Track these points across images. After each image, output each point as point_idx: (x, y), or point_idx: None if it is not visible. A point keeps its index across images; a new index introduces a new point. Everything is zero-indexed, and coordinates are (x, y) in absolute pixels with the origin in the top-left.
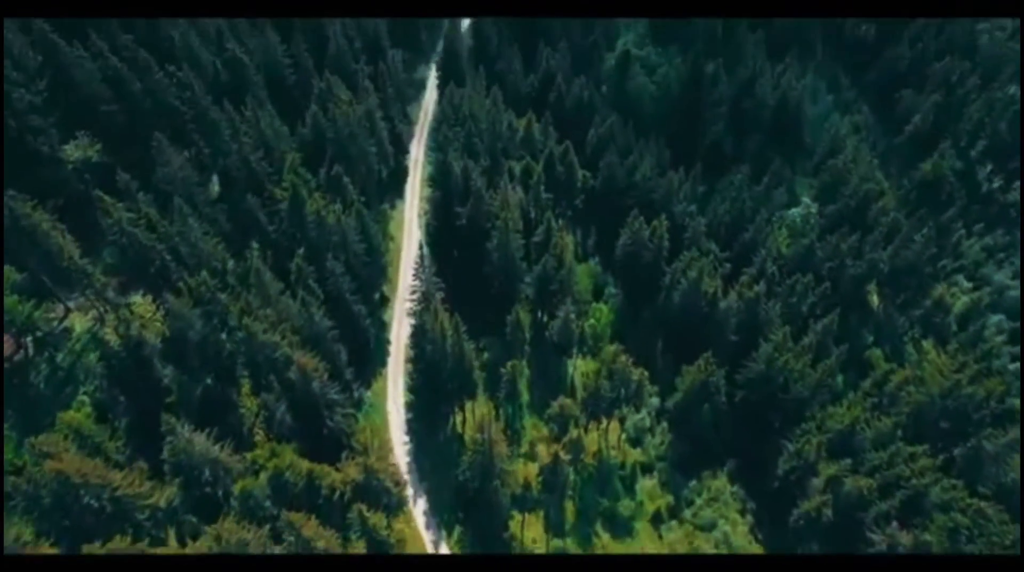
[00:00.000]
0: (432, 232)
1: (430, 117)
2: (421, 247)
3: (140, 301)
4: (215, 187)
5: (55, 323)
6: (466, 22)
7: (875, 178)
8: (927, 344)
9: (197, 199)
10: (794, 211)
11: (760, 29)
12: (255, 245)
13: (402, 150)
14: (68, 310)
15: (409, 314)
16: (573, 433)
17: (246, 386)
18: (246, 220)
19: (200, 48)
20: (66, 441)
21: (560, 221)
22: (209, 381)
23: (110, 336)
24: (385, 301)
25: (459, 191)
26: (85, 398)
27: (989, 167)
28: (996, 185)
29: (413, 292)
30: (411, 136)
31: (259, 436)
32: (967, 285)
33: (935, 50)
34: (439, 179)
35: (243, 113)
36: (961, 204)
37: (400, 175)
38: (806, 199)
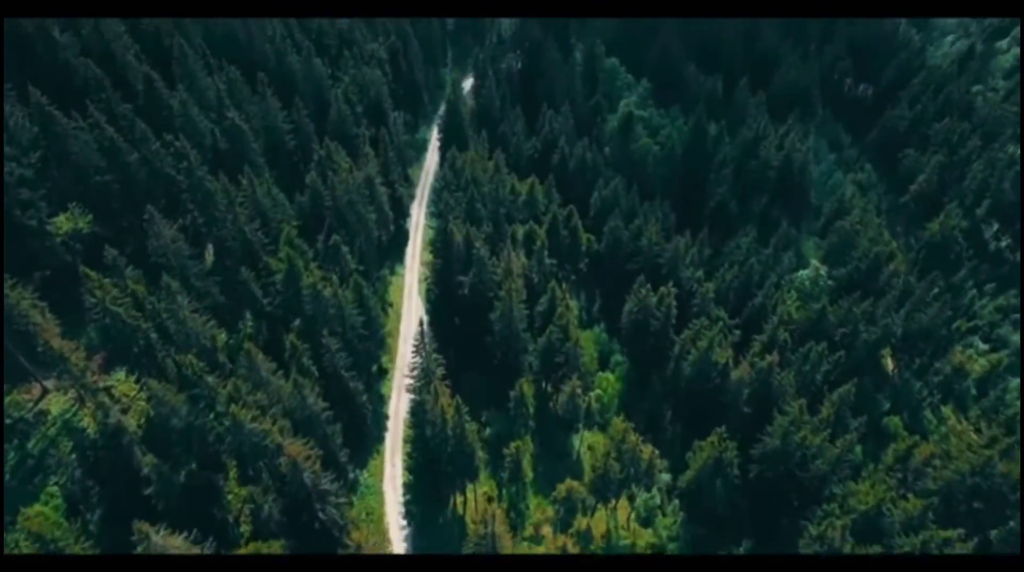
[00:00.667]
0: (433, 300)
1: (431, 178)
2: (421, 323)
3: (123, 380)
4: (210, 257)
5: (30, 405)
6: (468, 83)
7: (883, 239)
8: (947, 410)
9: (189, 272)
10: (803, 274)
11: (760, 90)
12: (249, 317)
13: (403, 214)
14: (45, 391)
15: (409, 390)
16: (581, 521)
17: (232, 475)
18: (240, 292)
19: (199, 116)
20: (27, 543)
21: (564, 285)
22: (192, 469)
23: (87, 422)
24: (384, 372)
25: (461, 259)
26: (55, 489)
27: (995, 226)
28: (1004, 244)
29: (413, 368)
30: (412, 198)
31: (245, 530)
32: (983, 347)
33: (934, 111)
34: (440, 247)
35: (240, 182)
36: (971, 265)
37: (401, 239)
38: (815, 261)
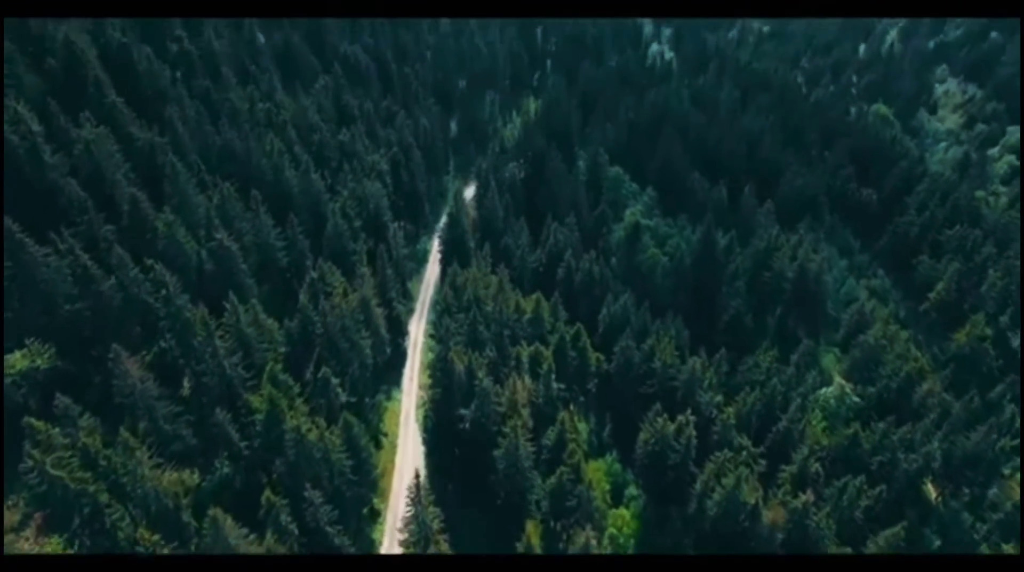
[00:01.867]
0: (431, 429)
1: (432, 290)
2: (417, 476)
3: (58, 550)
4: (185, 391)
5: None
6: (470, 191)
7: (911, 355)
8: (1010, 549)
9: (158, 413)
10: (827, 391)
11: (767, 198)
12: (224, 461)
13: (400, 332)
14: None
15: (402, 545)
16: None
17: None
18: (215, 434)
19: (186, 237)
20: None
21: (572, 407)
22: None
23: None
24: (375, 515)
25: (462, 390)
26: None
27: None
28: None
29: (407, 523)
30: (411, 313)
31: None
32: None
33: (942, 217)
34: (440, 376)
35: (224, 309)
36: (1009, 379)
37: (398, 359)
38: (839, 379)
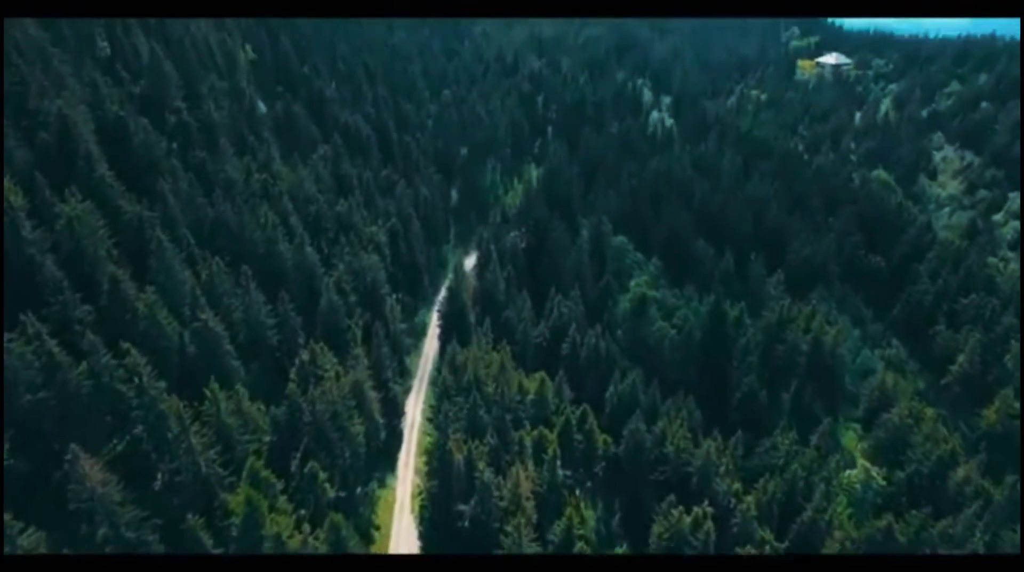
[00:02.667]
0: (427, 523)
1: (430, 365)
2: None
3: None
4: (158, 485)
5: None
6: (470, 261)
7: (941, 435)
8: None
9: (119, 520)
10: (851, 474)
11: (775, 266)
12: None
13: (396, 413)
14: None
15: None
16: None
17: None
18: (186, 541)
19: (167, 318)
20: None
21: (579, 492)
22: None
23: None
24: None
25: (461, 484)
26: None
27: None
28: None
29: None
30: (408, 392)
31: None
32: None
33: (956, 285)
34: (438, 468)
35: (205, 397)
36: None
37: (393, 442)
38: (863, 461)
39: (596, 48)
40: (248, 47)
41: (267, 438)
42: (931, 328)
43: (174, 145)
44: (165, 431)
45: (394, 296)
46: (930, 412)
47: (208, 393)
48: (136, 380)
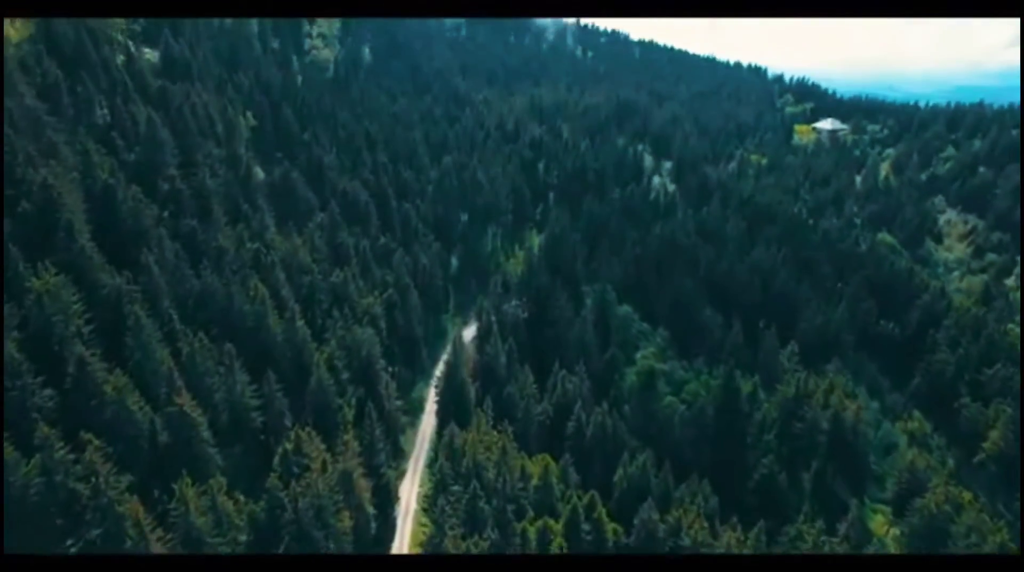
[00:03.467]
0: None
1: (427, 445)
2: None
3: None
4: None
5: None
6: (470, 332)
7: (985, 524)
8: None
9: None
10: None
11: (787, 335)
12: None
13: (389, 500)
14: None
15: None
16: None
17: None
18: None
19: (138, 403)
20: None
21: None
22: None
23: None
24: None
25: None
26: None
27: None
28: None
29: None
30: (403, 475)
31: None
32: None
33: (977, 354)
34: None
35: (174, 493)
36: None
37: (386, 533)
38: (895, 549)
39: (596, 115)
40: (249, 114)
41: (243, 537)
42: (955, 400)
43: (165, 213)
44: (123, 536)
45: (390, 370)
46: (968, 496)
47: (177, 491)
48: (93, 479)
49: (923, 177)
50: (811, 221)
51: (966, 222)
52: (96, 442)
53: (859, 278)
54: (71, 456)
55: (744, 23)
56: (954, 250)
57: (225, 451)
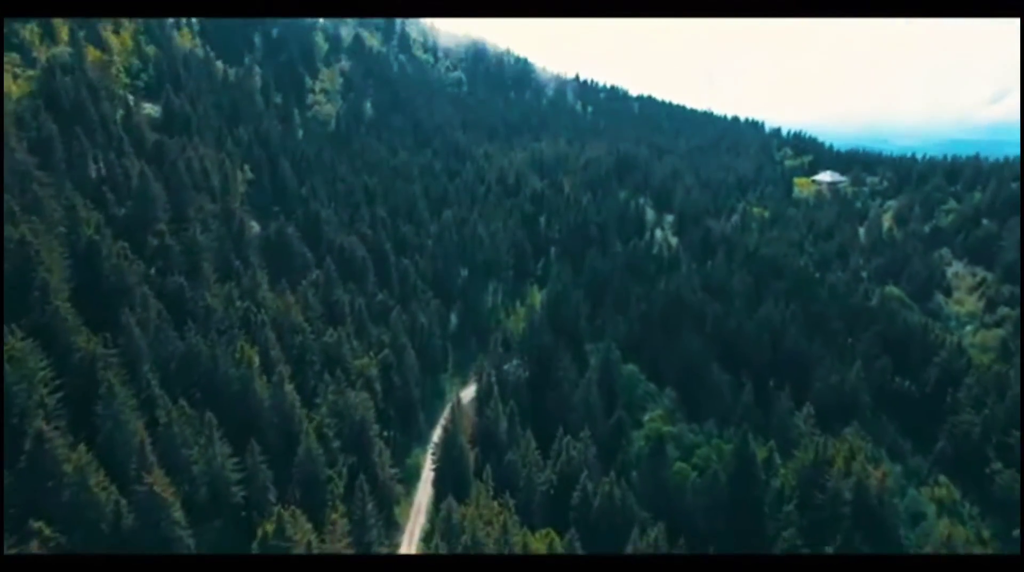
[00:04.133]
0: None
1: (423, 518)
2: None
3: None
4: None
5: None
6: (469, 392)
7: None
8: None
9: None
10: None
11: (801, 396)
12: None
13: None
14: None
15: None
16: None
17: None
18: None
19: (101, 484)
20: None
21: None
22: None
23: None
24: None
25: None
26: None
27: None
28: None
29: None
30: (396, 549)
31: None
32: None
33: (1004, 416)
34: None
35: None
36: None
37: None
38: None
39: (597, 169)
40: (247, 167)
41: None
42: (984, 465)
43: (152, 270)
44: None
45: (384, 435)
46: None
47: None
48: None
49: (926, 229)
50: (818, 274)
51: (974, 274)
52: (47, 531)
53: (872, 334)
54: (14, 550)
55: (740, 79)
56: (965, 303)
57: (201, 529)
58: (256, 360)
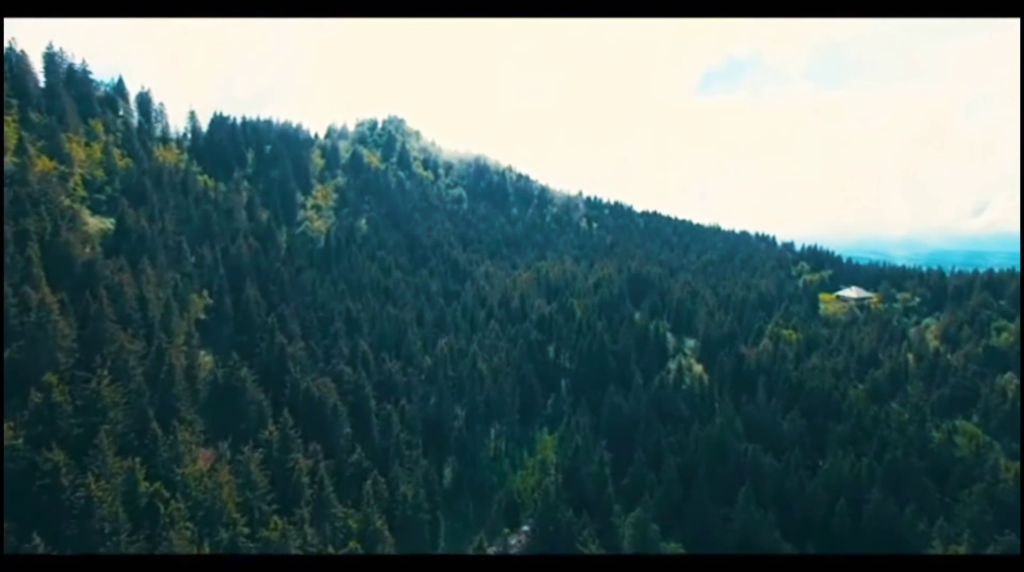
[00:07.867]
0: None
1: None
2: None
3: None
4: None
5: None
6: None
7: None
8: None
9: None
10: None
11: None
12: None
13: None
14: None
15: None
16: None
17: None
18: None
19: None
20: None
21: None
22: None
23: None
24: None
25: None
26: None
27: None
28: None
29: None
30: None
31: None
32: None
33: None
34: None
35: None
36: None
37: None
38: None
39: (608, 289)
40: (205, 292)
41: None
42: None
43: (19, 440)
44: None
45: None
46: None
47: None
48: None
49: (979, 350)
50: (882, 413)
51: None
52: None
53: (979, 491)
54: None
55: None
56: None
57: None
58: None
